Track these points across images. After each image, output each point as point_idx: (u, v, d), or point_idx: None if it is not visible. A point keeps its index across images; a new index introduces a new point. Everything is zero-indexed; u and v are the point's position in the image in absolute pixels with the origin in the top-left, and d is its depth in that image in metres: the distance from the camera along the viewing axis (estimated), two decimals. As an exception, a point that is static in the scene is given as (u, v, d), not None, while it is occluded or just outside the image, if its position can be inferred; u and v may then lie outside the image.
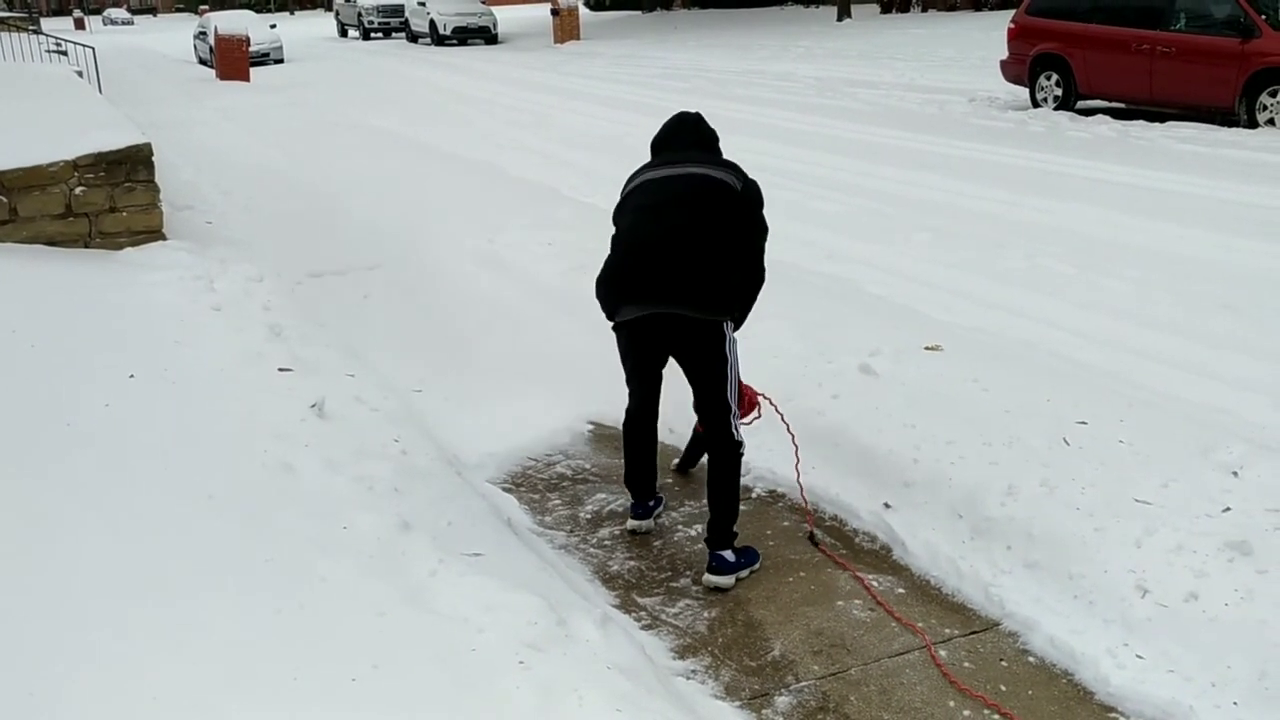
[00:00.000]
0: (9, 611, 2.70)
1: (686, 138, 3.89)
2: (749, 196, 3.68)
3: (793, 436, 4.23)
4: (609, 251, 3.84)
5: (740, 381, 3.81)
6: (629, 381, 4.03)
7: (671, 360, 3.88)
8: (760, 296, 3.87)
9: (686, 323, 3.62)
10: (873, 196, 9.17)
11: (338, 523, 3.38)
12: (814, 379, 4.82)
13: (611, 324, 3.87)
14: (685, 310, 3.59)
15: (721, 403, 3.74)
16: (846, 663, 3.29)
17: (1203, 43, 11.83)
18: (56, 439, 3.76)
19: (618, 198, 3.92)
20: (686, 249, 3.58)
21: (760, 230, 3.75)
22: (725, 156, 3.89)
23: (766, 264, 3.85)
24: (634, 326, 3.76)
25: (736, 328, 3.84)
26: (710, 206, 3.63)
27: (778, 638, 3.43)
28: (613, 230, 3.88)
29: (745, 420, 3.95)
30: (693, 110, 4.05)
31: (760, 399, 4.17)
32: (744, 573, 3.78)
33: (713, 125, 3.99)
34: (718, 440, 3.78)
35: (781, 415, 4.26)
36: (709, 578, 3.74)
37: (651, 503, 4.18)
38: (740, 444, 3.77)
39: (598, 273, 3.85)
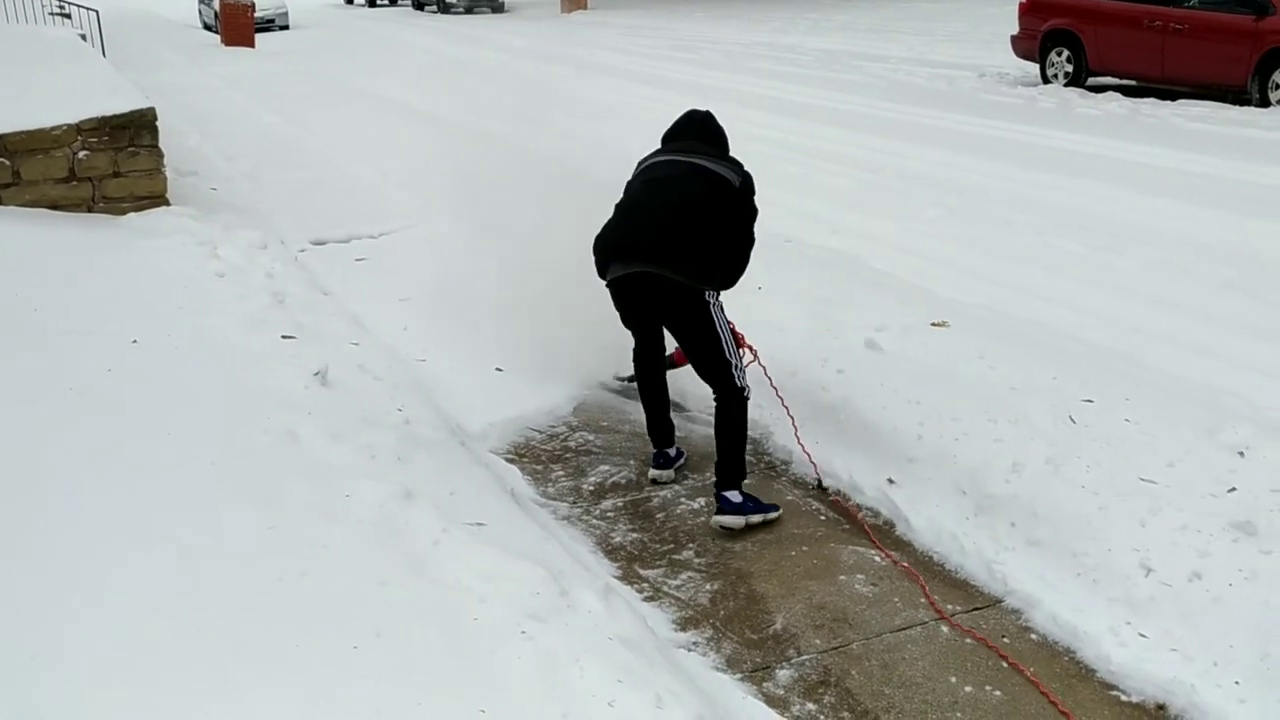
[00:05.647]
0: (6, 581, 2.70)
1: (695, 131, 4.10)
2: (745, 190, 3.90)
3: (781, 397, 4.35)
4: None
5: (734, 333, 3.96)
6: (631, 333, 4.21)
7: None
8: (766, 272, 3.94)
9: (667, 285, 3.78)
10: (880, 172, 9.11)
11: (340, 491, 3.37)
12: (820, 354, 4.81)
13: (604, 282, 4.05)
14: (665, 271, 3.76)
15: (720, 361, 3.86)
16: (848, 637, 3.29)
17: (1216, 20, 11.72)
18: (57, 404, 3.75)
19: (629, 175, 4.14)
20: (674, 218, 3.80)
21: (752, 215, 3.96)
22: (731, 154, 4.09)
23: (760, 238, 4.06)
24: (620, 285, 3.96)
25: (728, 286, 3.99)
26: (706, 193, 3.86)
27: (780, 611, 3.43)
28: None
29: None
30: (702, 109, 4.26)
31: (749, 346, 4.29)
32: (756, 517, 3.86)
33: (722, 101, 4.09)
34: (724, 392, 3.89)
35: (764, 368, 4.37)
36: (716, 518, 3.86)
37: (672, 452, 4.31)
38: (745, 389, 3.88)
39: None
